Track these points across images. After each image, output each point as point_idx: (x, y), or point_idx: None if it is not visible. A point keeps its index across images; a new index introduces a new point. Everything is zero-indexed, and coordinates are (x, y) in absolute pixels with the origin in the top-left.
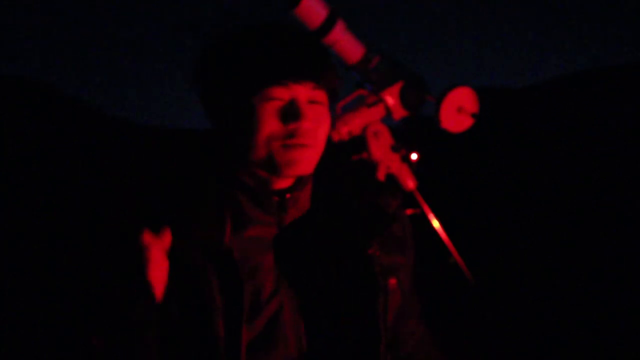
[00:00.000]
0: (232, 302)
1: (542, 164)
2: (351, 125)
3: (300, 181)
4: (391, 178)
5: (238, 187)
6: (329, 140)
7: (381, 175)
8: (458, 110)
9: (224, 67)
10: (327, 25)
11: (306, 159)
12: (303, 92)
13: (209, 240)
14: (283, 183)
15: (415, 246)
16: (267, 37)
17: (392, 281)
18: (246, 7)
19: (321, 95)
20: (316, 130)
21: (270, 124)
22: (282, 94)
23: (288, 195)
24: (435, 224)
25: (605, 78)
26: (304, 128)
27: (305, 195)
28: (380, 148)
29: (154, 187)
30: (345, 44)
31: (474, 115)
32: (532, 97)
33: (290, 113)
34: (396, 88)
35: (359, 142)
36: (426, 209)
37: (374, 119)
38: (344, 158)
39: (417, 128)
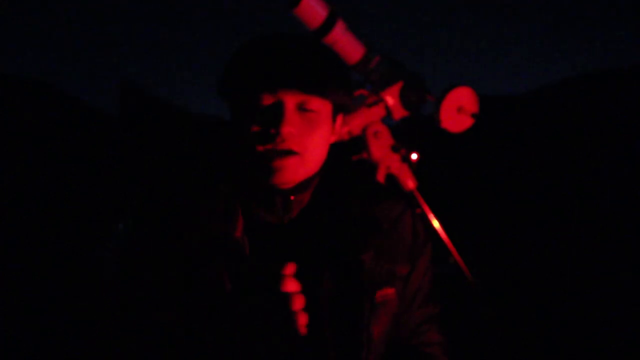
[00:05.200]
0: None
1: (542, 165)
2: (351, 125)
3: (304, 181)
4: (391, 178)
5: (245, 186)
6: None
7: (381, 176)
8: (458, 110)
9: (229, 73)
10: (327, 25)
11: (289, 167)
12: (290, 99)
13: (220, 235)
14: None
15: (428, 253)
16: (269, 45)
17: (388, 291)
18: (247, 7)
19: (316, 104)
20: (303, 137)
21: (253, 127)
22: (268, 99)
23: (292, 197)
24: (435, 224)
25: (606, 81)
26: (285, 133)
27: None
28: (380, 148)
29: (168, 181)
30: (345, 44)
31: (474, 115)
32: (531, 99)
33: (273, 117)
34: (396, 88)
35: (359, 142)
36: (426, 209)
37: (374, 119)
38: (344, 158)
39: (417, 128)
